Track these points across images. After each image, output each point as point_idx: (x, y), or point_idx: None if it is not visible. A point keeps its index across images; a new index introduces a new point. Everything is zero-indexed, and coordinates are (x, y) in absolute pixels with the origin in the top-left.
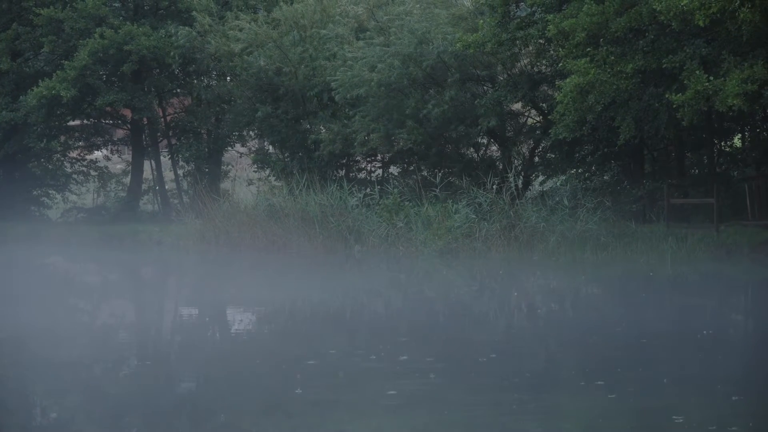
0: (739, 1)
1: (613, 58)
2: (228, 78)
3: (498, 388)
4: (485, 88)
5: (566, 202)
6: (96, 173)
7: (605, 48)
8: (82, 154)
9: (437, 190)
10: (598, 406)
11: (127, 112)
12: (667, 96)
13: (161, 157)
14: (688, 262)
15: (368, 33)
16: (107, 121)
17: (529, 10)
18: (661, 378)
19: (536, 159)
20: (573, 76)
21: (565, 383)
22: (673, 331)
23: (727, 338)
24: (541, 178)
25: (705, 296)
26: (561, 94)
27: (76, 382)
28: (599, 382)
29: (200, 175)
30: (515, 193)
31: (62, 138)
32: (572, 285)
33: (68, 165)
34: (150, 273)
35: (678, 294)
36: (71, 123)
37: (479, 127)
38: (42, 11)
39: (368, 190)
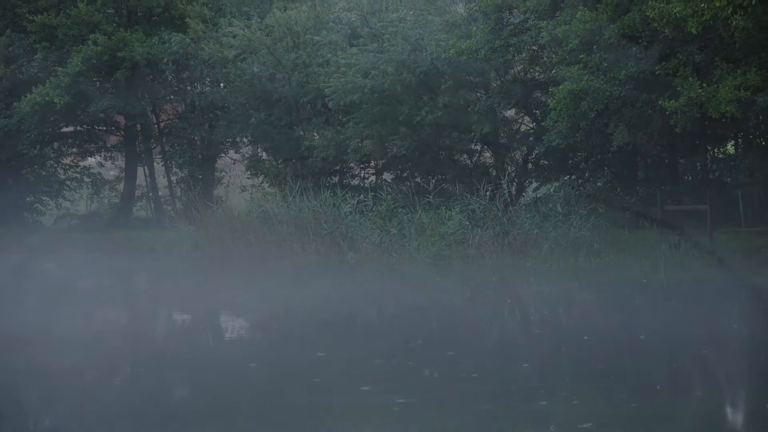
0: (731, 9)
1: (606, 64)
2: (221, 84)
3: (492, 394)
4: (478, 94)
5: (559, 208)
6: (89, 180)
7: (598, 54)
8: (75, 161)
9: (430, 197)
10: (592, 413)
11: (121, 119)
12: (660, 102)
13: (155, 164)
14: (681, 269)
15: (362, 39)
16: (100, 128)
17: (523, 16)
18: (654, 384)
19: (529, 165)
20: (566, 83)
21: (558, 390)
22: (666, 338)
23: (720, 345)
24: (534, 184)
25: (698, 303)
26: (554, 101)
27: (68, 389)
28: (592, 389)
29: (193, 182)
30: (508, 199)
31: (55, 144)
32: (565, 292)
33: (61, 171)
34: (143, 280)
35: (671, 301)
36: (64, 129)
37: (472, 133)
38: (35, 18)
39: (362, 196)
